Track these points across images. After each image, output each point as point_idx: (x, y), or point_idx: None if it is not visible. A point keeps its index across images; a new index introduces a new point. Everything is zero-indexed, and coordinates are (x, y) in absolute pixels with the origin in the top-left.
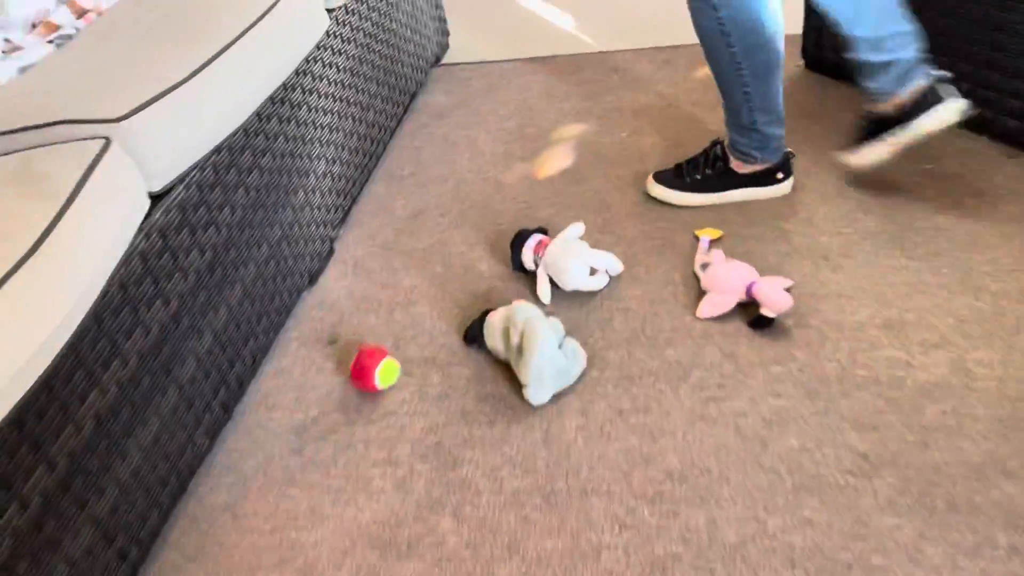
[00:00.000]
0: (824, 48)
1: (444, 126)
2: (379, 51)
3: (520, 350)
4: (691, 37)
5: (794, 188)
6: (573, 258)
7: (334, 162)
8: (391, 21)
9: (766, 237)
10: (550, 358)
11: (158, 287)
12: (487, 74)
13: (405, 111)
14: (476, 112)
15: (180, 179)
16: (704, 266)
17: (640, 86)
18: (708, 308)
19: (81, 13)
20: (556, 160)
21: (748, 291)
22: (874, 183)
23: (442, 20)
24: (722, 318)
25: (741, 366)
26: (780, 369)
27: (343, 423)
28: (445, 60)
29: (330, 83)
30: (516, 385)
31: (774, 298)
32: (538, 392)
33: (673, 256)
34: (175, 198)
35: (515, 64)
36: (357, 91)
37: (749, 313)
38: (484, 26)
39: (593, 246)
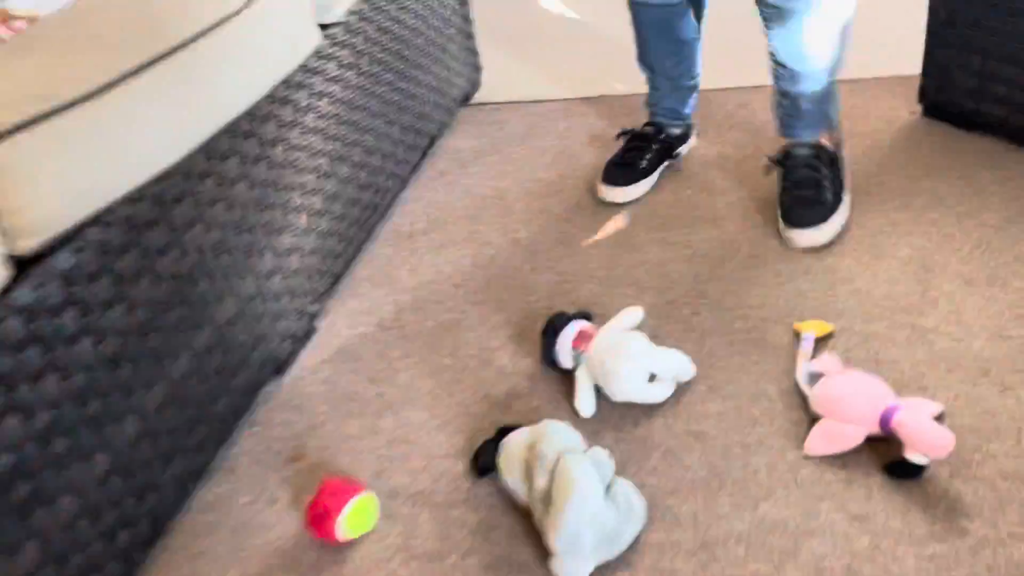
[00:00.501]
0: (949, 91)
1: (469, 176)
2: (390, 82)
3: (549, 499)
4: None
5: (925, 267)
6: (627, 359)
7: (322, 215)
8: (407, 47)
9: (895, 338)
10: (592, 517)
11: (18, 394)
12: (525, 115)
13: (423, 156)
14: (509, 160)
15: (67, 238)
16: (813, 377)
17: (710, 133)
18: (822, 443)
19: (6, 18)
20: (605, 221)
21: (884, 421)
22: None
23: (473, 51)
24: (843, 457)
25: (879, 539)
26: (942, 548)
27: None
28: (476, 99)
29: (320, 117)
30: (542, 548)
31: (928, 435)
32: (574, 567)
33: (766, 358)
34: (57, 265)
35: (559, 104)
36: (358, 129)
37: (884, 452)
38: (524, 60)
39: (654, 340)
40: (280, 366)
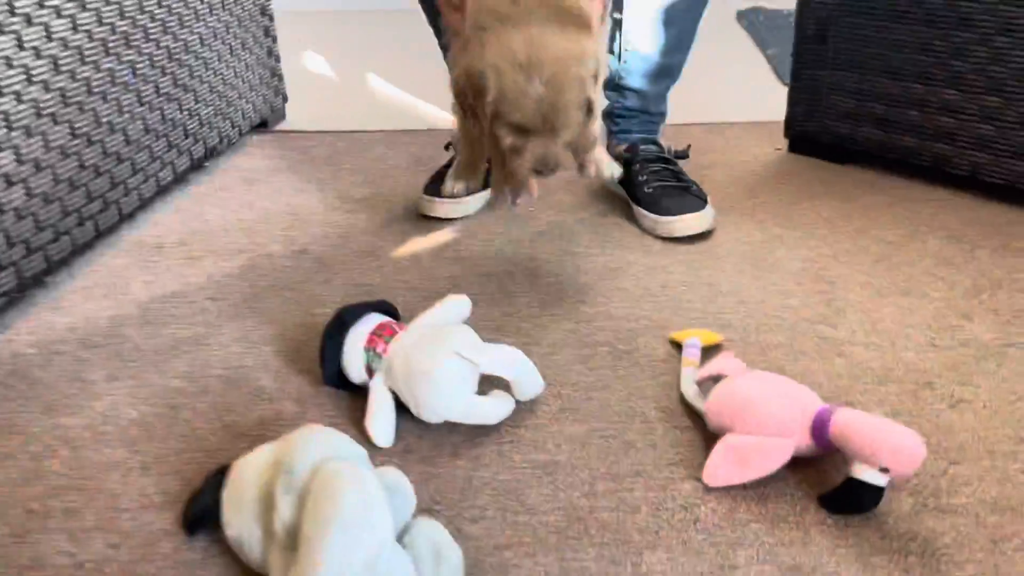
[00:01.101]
0: (820, 117)
1: (255, 194)
2: (151, 55)
3: (296, 537)
4: None
5: (824, 279)
6: (444, 357)
7: (10, 184)
8: (188, 33)
9: (803, 348)
10: (369, 560)
11: None
12: (336, 141)
13: (194, 167)
14: (310, 179)
15: None
16: (706, 386)
17: None
18: (730, 467)
19: None
20: (425, 234)
21: (818, 428)
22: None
23: (276, 74)
24: (761, 487)
25: None
26: None
27: None
28: (279, 127)
29: (34, 41)
30: None
31: (890, 436)
32: None
33: (636, 372)
34: None
35: (378, 135)
36: (91, 90)
37: (816, 479)
38: (338, 97)
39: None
40: None
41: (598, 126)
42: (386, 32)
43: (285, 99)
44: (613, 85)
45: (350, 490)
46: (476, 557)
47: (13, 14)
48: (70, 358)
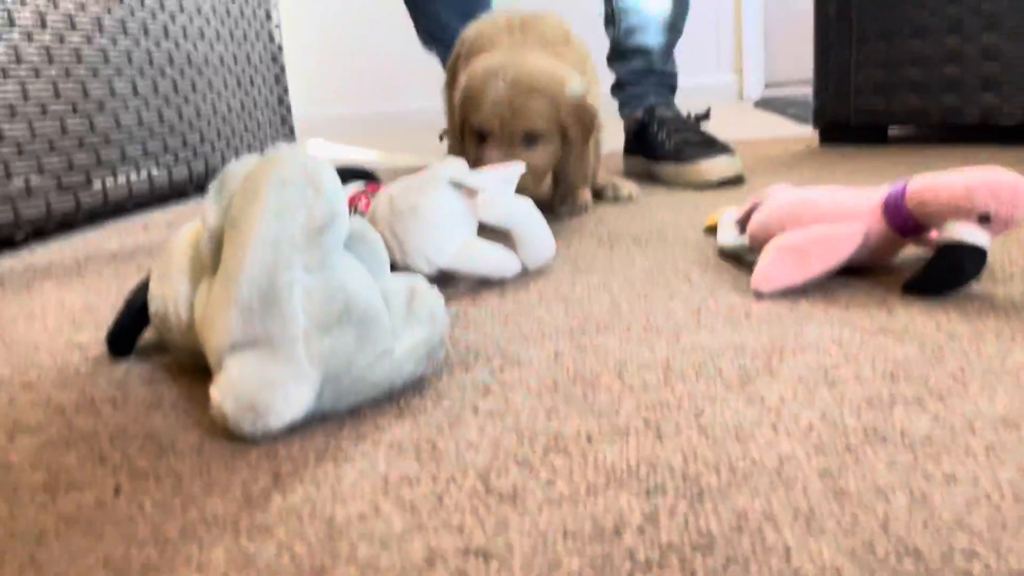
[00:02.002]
0: (847, 98)
1: None
2: (150, 53)
3: (219, 249)
4: None
5: None
6: (435, 189)
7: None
8: (192, 47)
9: None
10: (308, 225)
11: None
12: None
13: (191, 179)
14: None
15: None
16: (748, 214)
17: None
18: (788, 268)
19: None
20: None
21: (893, 203)
22: None
23: (289, 127)
24: (823, 289)
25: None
26: None
27: None
28: None
29: None
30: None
31: (989, 181)
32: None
33: (662, 246)
34: None
35: None
36: (82, 61)
37: (889, 279)
38: None
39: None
40: None
41: (593, 161)
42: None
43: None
44: (616, 54)
45: (286, 159)
46: (487, 350)
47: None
48: None
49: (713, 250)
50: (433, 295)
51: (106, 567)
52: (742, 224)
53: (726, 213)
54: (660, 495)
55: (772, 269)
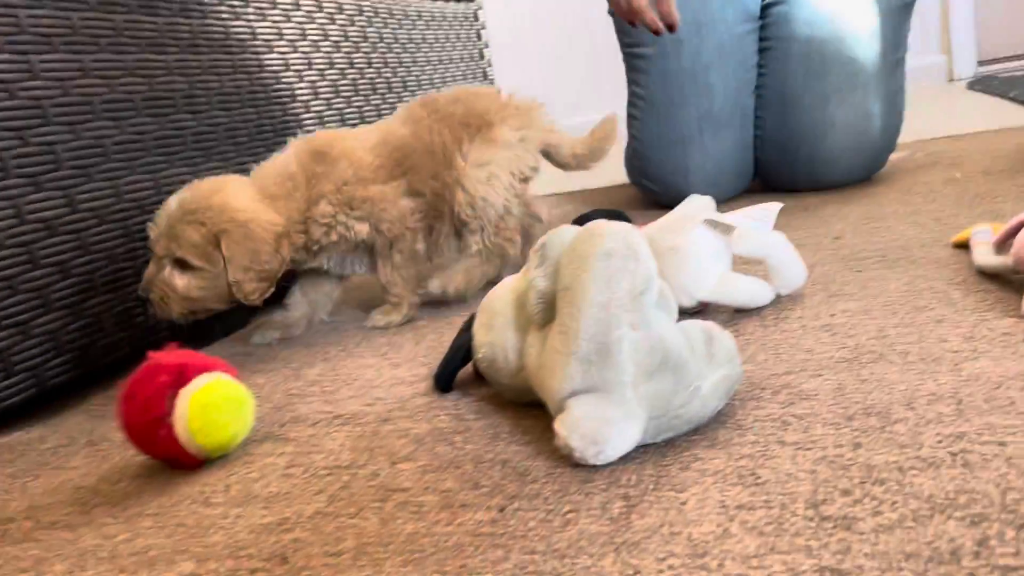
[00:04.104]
0: None
1: None
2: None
3: (551, 304)
4: None
5: None
6: (693, 228)
7: None
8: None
9: None
10: (634, 284)
11: None
12: None
13: None
14: None
15: None
16: (1002, 248)
17: None
18: None
19: None
20: None
21: None
22: None
23: None
24: None
25: None
26: None
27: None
28: None
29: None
30: (539, 435)
31: None
32: (600, 428)
33: (912, 267)
34: None
35: None
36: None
37: None
38: None
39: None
40: None
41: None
42: None
43: None
44: None
45: (609, 233)
46: (756, 382)
47: None
48: None
49: (968, 268)
50: (727, 336)
51: (524, 572)
52: (999, 245)
53: (980, 231)
54: (985, 523)
55: None
